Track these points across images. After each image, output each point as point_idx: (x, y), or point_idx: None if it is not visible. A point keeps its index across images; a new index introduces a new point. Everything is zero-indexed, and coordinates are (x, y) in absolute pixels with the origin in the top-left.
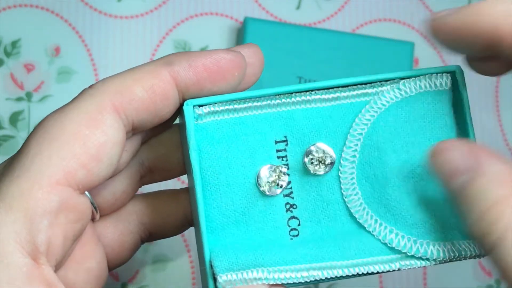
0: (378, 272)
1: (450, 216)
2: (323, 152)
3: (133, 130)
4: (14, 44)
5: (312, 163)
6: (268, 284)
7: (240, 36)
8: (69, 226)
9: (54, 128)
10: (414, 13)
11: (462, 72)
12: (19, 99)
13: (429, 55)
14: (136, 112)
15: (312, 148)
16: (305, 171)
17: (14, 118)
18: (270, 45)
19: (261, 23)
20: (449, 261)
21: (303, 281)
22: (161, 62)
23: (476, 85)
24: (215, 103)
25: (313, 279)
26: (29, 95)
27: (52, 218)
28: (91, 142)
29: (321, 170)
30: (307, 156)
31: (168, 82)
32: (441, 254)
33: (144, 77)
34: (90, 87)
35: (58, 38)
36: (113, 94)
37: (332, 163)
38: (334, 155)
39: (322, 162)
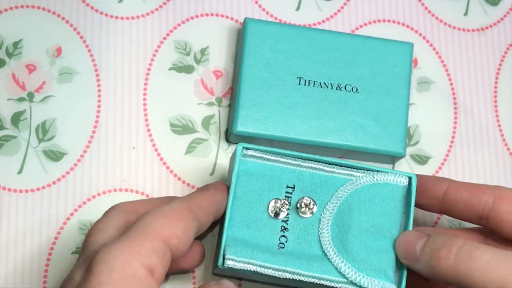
0: (327, 286)
1: (383, 264)
2: (311, 203)
3: (198, 230)
4: (15, 44)
5: (301, 207)
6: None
7: (240, 36)
8: (165, 268)
9: (161, 211)
10: (413, 14)
11: (416, 179)
12: (20, 99)
13: (428, 56)
14: (202, 214)
15: (306, 198)
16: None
17: (16, 119)
18: (270, 45)
19: (261, 24)
20: None
21: (277, 276)
22: (213, 186)
23: (475, 85)
24: (257, 150)
25: (283, 277)
26: (30, 96)
27: (160, 256)
28: (182, 224)
29: (305, 213)
30: (300, 202)
31: (220, 195)
32: (370, 287)
33: (205, 194)
34: (178, 199)
35: (60, 39)
36: (192, 203)
37: (314, 212)
38: (316, 208)
39: (309, 208)
